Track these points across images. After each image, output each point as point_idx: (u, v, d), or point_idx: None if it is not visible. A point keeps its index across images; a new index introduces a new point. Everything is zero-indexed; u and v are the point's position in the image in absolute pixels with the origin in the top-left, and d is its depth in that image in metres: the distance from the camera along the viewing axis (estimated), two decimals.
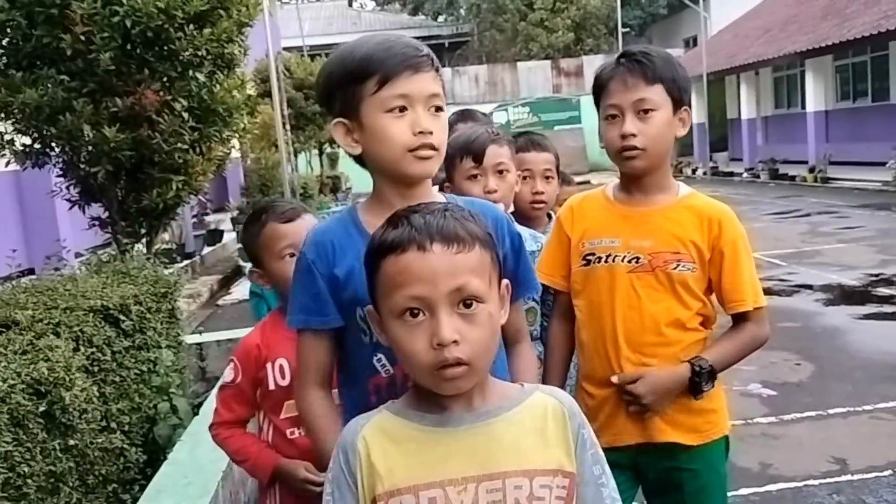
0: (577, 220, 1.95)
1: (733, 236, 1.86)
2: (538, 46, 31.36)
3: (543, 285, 2.01)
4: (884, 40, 16.28)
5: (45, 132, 4.11)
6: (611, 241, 1.88)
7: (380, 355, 1.37)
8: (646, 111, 1.80)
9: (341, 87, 1.40)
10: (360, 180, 19.95)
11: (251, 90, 5.44)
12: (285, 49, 20.41)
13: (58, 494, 2.53)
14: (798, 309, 6.76)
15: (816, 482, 3.51)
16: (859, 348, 5.55)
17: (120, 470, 3.01)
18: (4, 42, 4.05)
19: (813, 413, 4.35)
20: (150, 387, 3.43)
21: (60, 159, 4.32)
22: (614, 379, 1.85)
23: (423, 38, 1.71)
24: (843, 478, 3.54)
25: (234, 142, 5.11)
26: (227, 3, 4.21)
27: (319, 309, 1.39)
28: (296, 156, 15.49)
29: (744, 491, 3.43)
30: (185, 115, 4.13)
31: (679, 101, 1.85)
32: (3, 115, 4.03)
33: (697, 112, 21.52)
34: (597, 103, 1.91)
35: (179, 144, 4.14)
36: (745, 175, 20.89)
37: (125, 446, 3.04)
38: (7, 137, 4.26)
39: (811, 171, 17.91)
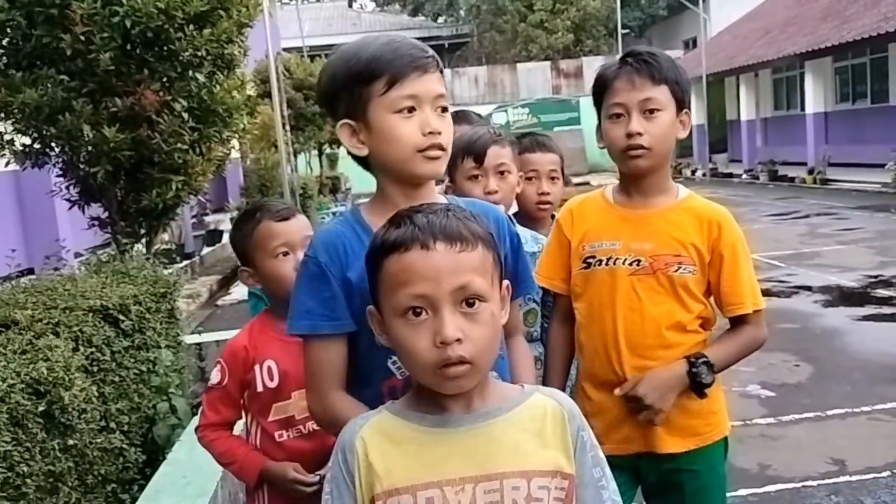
0: (576, 222, 1.95)
1: (732, 239, 1.86)
2: (538, 48, 31.38)
3: (543, 288, 2.02)
4: (883, 42, 16.29)
5: (44, 132, 4.11)
6: (611, 244, 1.88)
7: (395, 357, 1.35)
8: (651, 111, 1.81)
9: (347, 89, 1.39)
10: (359, 181, 19.98)
11: (251, 91, 5.45)
12: (285, 50, 20.42)
13: (57, 494, 2.53)
14: (797, 310, 6.77)
15: (815, 483, 3.52)
16: (858, 349, 5.56)
17: (119, 470, 3.02)
18: (4, 42, 4.05)
19: (811, 414, 4.36)
20: (149, 387, 3.44)
21: (60, 159, 4.32)
22: (618, 392, 1.85)
23: (423, 39, 1.71)
24: (842, 479, 3.55)
25: (234, 142, 5.11)
26: (227, 3, 4.22)
27: (331, 313, 1.36)
28: (295, 156, 15.49)
29: (742, 492, 3.43)
30: (185, 115, 4.13)
31: (681, 102, 1.86)
32: (2, 115, 4.04)
33: (697, 113, 21.53)
34: (597, 103, 1.91)
35: (179, 145, 4.14)
36: (744, 176, 20.91)
37: (124, 446, 3.04)
38: (7, 137, 4.26)
39: (810, 172, 17.92)
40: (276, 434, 1.97)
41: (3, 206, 8.35)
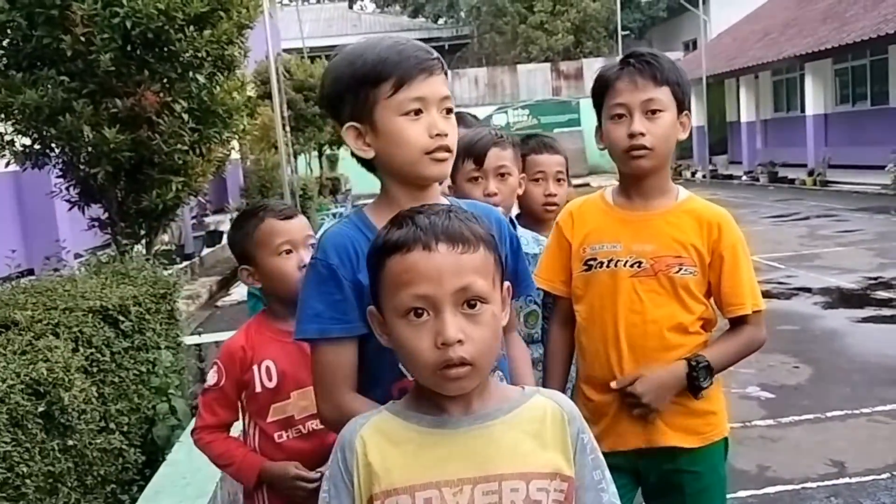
0: (577, 225, 1.95)
1: (732, 240, 1.87)
2: (538, 49, 31.38)
3: (543, 290, 2.02)
4: (883, 44, 16.31)
5: (44, 133, 4.12)
6: (612, 246, 1.88)
7: None
8: (654, 111, 1.81)
9: (352, 91, 1.39)
10: (359, 182, 19.98)
11: (251, 92, 5.45)
12: (285, 51, 20.43)
13: (56, 495, 2.53)
14: (796, 312, 6.77)
15: (814, 485, 3.52)
16: (857, 351, 5.56)
17: (118, 470, 3.02)
18: (5, 43, 4.05)
19: (811, 416, 4.36)
20: (148, 387, 3.44)
21: (60, 160, 4.32)
22: (613, 384, 1.85)
23: (424, 41, 1.71)
24: (841, 480, 3.55)
25: (234, 143, 5.12)
26: (228, 4, 4.22)
27: (342, 316, 1.35)
28: (295, 157, 15.50)
29: (742, 493, 3.43)
30: (185, 116, 4.14)
31: (682, 104, 1.87)
32: (3, 115, 4.04)
33: (697, 115, 21.54)
34: (598, 104, 1.91)
35: (179, 146, 4.14)
36: (744, 178, 20.91)
37: (124, 447, 3.04)
38: (7, 138, 4.26)
39: (810, 174, 17.93)
40: (276, 435, 1.96)
41: (3, 206, 8.35)
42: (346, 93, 1.40)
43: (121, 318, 3.20)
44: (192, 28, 4.01)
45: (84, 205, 4.48)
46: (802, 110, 20.27)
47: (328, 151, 20.29)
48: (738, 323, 1.90)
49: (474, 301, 1.14)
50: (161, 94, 4.07)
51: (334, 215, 12.06)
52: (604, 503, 1.22)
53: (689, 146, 23.77)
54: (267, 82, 11.44)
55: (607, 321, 1.88)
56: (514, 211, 2.35)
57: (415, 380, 1.22)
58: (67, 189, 4.46)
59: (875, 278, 7.86)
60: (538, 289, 1.98)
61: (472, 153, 2.18)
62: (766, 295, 1.96)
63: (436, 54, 1.42)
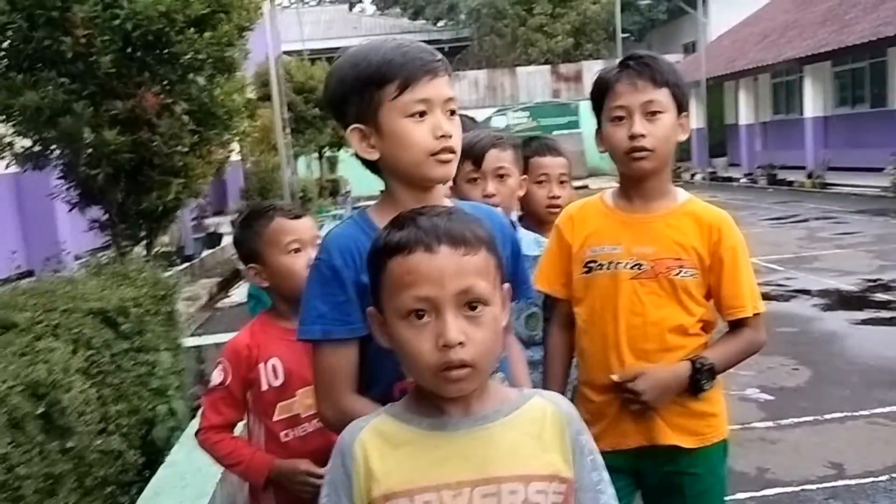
0: (577, 227, 1.95)
1: (733, 243, 1.87)
2: (538, 51, 31.39)
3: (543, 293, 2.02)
4: (882, 46, 16.33)
5: (45, 134, 4.13)
6: (612, 248, 1.88)
7: None
8: (654, 113, 1.82)
9: (357, 93, 1.39)
10: (359, 184, 19.98)
11: (251, 94, 5.46)
12: (285, 53, 20.44)
13: (55, 496, 2.53)
14: (796, 314, 6.77)
15: (813, 487, 3.52)
16: (857, 353, 5.56)
17: (118, 472, 3.02)
18: (5, 44, 4.06)
19: (810, 418, 4.36)
20: (148, 389, 3.44)
21: (60, 162, 4.33)
22: (615, 377, 1.85)
23: (424, 43, 1.73)
24: (840, 483, 3.54)
25: (234, 145, 5.13)
26: (228, 6, 4.23)
27: (344, 318, 1.36)
28: (295, 159, 15.51)
29: (741, 495, 3.43)
30: (185, 117, 4.16)
31: (681, 106, 1.87)
32: (3, 117, 4.05)
33: (696, 117, 21.55)
34: (597, 107, 1.91)
35: (179, 147, 4.17)
36: (743, 180, 20.92)
37: (123, 448, 3.04)
38: (7, 140, 4.27)
39: (809, 176, 17.94)
40: (282, 434, 1.96)
41: (4, 208, 8.35)
42: (351, 94, 1.40)
43: (120, 319, 3.20)
44: (192, 30, 4.03)
45: (84, 206, 4.49)
46: (801, 112, 20.29)
47: (328, 153, 20.29)
48: (737, 325, 1.90)
49: (475, 303, 1.14)
50: (161, 96, 4.09)
51: (334, 217, 12.07)
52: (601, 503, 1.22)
53: (689, 148, 23.78)
54: (267, 84, 11.45)
55: (608, 323, 1.88)
56: (516, 213, 2.35)
57: (414, 381, 1.21)
58: (67, 190, 4.47)
59: (874, 280, 7.86)
60: (538, 291, 1.98)
61: (470, 154, 2.18)
62: (766, 297, 1.96)
63: (440, 56, 1.42)
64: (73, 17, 3.80)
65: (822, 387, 4.90)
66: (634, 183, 1.90)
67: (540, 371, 2.05)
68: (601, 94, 1.89)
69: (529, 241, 2.14)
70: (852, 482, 3.53)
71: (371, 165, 1.45)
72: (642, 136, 1.81)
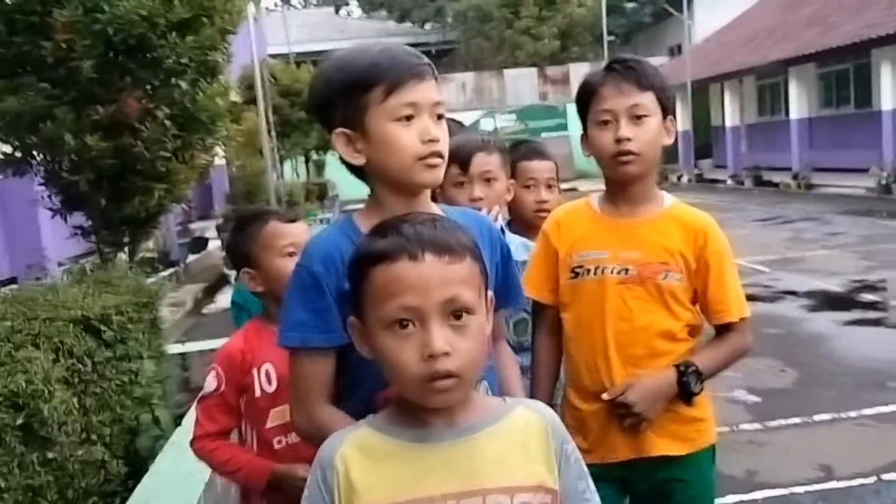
0: (563, 232, 1.94)
1: (718, 247, 1.86)
2: (524, 54, 31.47)
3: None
4: (866, 48, 16.47)
5: (26, 140, 4.08)
6: (599, 254, 1.87)
7: None
8: (639, 117, 1.81)
9: (343, 96, 1.37)
10: (346, 188, 19.94)
11: (235, 97, 5.43)
12: (271, 56, 20.39)
13: None
14: (782, 315, 6.79)
15: (802, 489, 3.52)
16: (844, 354, 5.58)
17: (101, 482, 2.97)
18: None
19: (798, 420, 4.36)
20: (131, 398, 3.40)
21: (42, 168, 4.28)
22: (605, 396, 1.84)
23: (411, 46, 1.72)
24: (829, 485, 3.55)
25: (218, 149, 5.09)
26: (211, 10, 4.20)
27: (324, 326, 1.34)
28: (281, 163, 15.46)
29: (730, 498, 3.43)
30: (168, 122, 4.11)
31: (666, 109, 1.86)
32: None
33: (682, 120, 21.67)
34: (582, 111, 1.90)
35: (162, 152, 4.12)
36: (729, 182, 21.03)
37: (106, 458, 2.99)
38: None
39: (795, 177, 18.05)
40: (275, 441, 1.94)
41: None
42: (337, 98, 1.38)
43: (103, 327, 3.16)
44: (174, 34, 3.99)
45: (67, 213, 4.44)
46: (787, 114, 20.42)
47: (314, 157, 20.24)
48: (724, 330, 1.89)
49: (461, 312, 1.12)
50: (143, 101, 4.04)
51: (321, 221, 12.03)
52: None
53: (675, 151, 23.88)
54: (252, 88, 11.41)
55: (595, 329, 1.86)
56: (504, 217, 2.33)
57: (396, 392, 1.19)
58: (50, 197, 4.42)
59: (860, 281, 7.90)
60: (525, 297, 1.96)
61: (457, 158, 2.16)
62: (752, 298, 1.96)
63: (426, 60, 1.40)
64: (53, 22, 3.76)
65: (809, 388, 4.91)
66: (620, 187, 1.89)
67: (529, 377, 2.03)
68: (587, 98, 1.88)
69: (518, 246, 2.12)
70: (841, 484, 3.54)
71: (357, 170, 1.43)
72: (628, 139, 1.80)
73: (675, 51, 29.80)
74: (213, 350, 4.52)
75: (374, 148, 1.36)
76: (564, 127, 26.79)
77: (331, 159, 19.63)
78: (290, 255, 1.96)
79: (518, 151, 2.39)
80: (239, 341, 1.99)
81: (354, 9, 47.51)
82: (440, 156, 1.37)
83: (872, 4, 17.15)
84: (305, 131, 16.37)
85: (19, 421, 2.41)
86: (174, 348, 4.57)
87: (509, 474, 1.14)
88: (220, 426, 1.98)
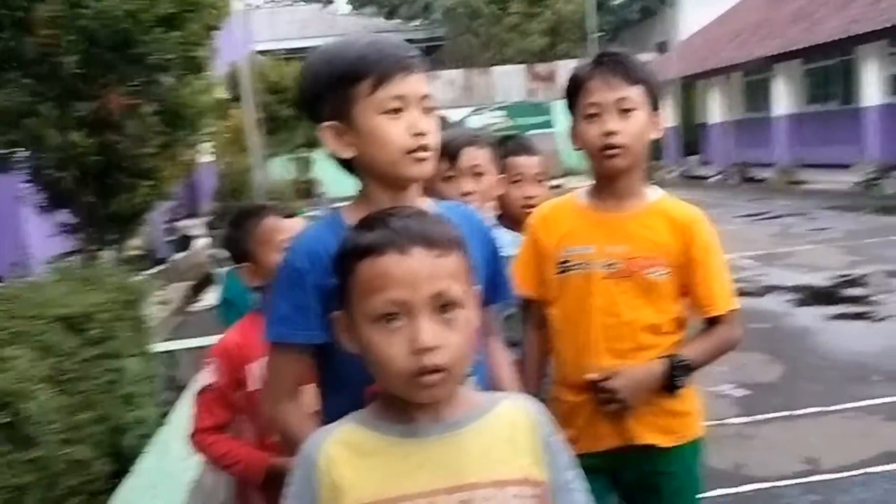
0: (550, 227, 1.94)
1: (705, 241, 1.87)
2: (512, 51, 31.47)
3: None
4: (852, 44, 16.57)
5: (10, 136, 4.04)
6: (586, 248, 1.87)
7: None
8: (627, 110, 1.81)
9: (331, 89, 1.36)
10: (334, 185, 19.89)
11: (222, 94, 5.39)
12: (259, 52, 20.27)
13: None
14: (769, 310, 6.83)
15: (789, 483, 3.54)
16: (829, 348, 5.61)
17: (85, 482, 2.95)
18: None
19: (785, 413, 4.39)
20: (116, 396, 3.37)
21: (27, 164, 4.24)
22: (591, 376, 1.84)
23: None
24: (815, 477, 3.57)
25: (204, 146, 5.05)
26: (196, 6, 4.17)
27: (304, 322, 1.34)
28: (268, 160, 15.39)
29: (717, 492, 3.43)
30: (153, 119, 4.08)
31: (653, 103, 1.86)
32: None
33: (670, 116, 21.73)
34: (571, 104, 1.90)
35: (146, 149, 4.09)
36: (716, 178, 21.12)
37: (91, 457, 2.97)
38: None
39: (780, 173, 18.15)
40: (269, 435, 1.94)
41: None
42: (325, 91, 1.37)
43: (87, 325, 3.13)
44: (159, 29, 3.96)
45: (52, 210, 4.40)
46: (773, 110, 20.52)
47: (303, 154, 20.15)
48: (713, 323, 1.90)
49: (449, 306, 1.11)
50: (128, 97, 4.01)
51: (310, 218, 11.96)
52: (575, 501, 1.22)
53: (663, 147, 23.96)
54: (239, 84, 11.34)
55: (582, 323, 1.87)
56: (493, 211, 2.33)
57: (382, 388, 1.18)
58: (35, 194, 4.38)
59: (845, 276, 7.95)
60: None
61: (446, 152, 2.16)
62: (739, 293, 1.96)
63: (415, 52, 1.40)
64: (36, 17, 3.72)
65: (795, 382, 4.94)
66: (607, 181, 1.89)
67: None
68: (575, 91, 1.88)
69: (508, 241, 2.12)
70: (827, 477, 3.56)
71: (346, 164, 1.42)
72: (615, 133, 1.80)
73: (663, 47, 29.88)
74: (200, 348, 4.51)
75: (362, 141, 1.35)
76: (551, 124, 26.83)
77: (318, 157, 19.57)
78: None
79: (506, 147, 2.40)
80: (235, 335, 2.01)
81: (343, 5, 47.33)
82: (429, 149, 1.36)
83: (856, 0, 17.26)
84: (293, 128, 16.30)
85: (3, 420, 2.38)
86: (160, 346, 4.54)
87: (497, 468, 1.14)
88: (219, 420, 2.00)
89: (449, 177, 2.18)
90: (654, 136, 1.88)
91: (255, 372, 1.94)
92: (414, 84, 1.35)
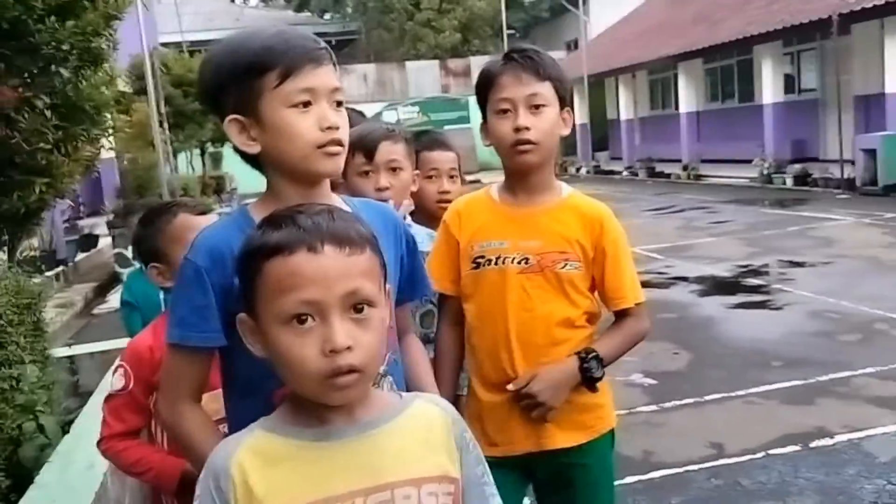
0: (464, 222, 1.94)
1: (614, 236, 1.90)
2: (426, 46, 31.55)
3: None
4: (749, 45, 17.35)
5: None
6: (499, 244, 1.88)
7: None
8: (537, 106, 1.82)
9: (235, 82, 1.30)
10: (245, 181, 19.44)
11: (124, 87, 5.17)
12: (163, 45, 19.61)
13: None
14: (675, 300, 7.08)
15: (696, 467, 3.67)
16: (732, 337, 5.87)
17: None
18: None
19: (691, 400, 4.55)
20: (13, 405, 3.18)
21: None
22: (510, 387, 1.85)
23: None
24: (720, 462, 3.71)
25: (105, 141, 4.83)
26: None
27: (201, 324, 1.28)
28: (175, 156, 14.91)
29: (628, 479, 3.54)
30: (48, 112, 3.86)
31: (563, 100, 1.88)
32: None
33: (580, 113, 22.24)
34: (482, 100, 1.90)
35: (42, 144, 3.87)
36: (624, 173, 21.77)
37: None
38: None
39: (685, 168, 18.88)
40: None
41: None
42: (229, 84, 1.31)
43: None
44: (53, 18, 3.74)
45: None
46: (676, 108, 21.30)
47: (211, 149, 19.61)
48: (622, 316, 1.94)
49: (362, 305, 1.09)
50: (20, 90, 3.78)
51: (220, 215, 11.65)
52: (486, 496, 1.23)
53: (574, 143, 24.52)
54: (142, 77, 10.93)
55: (497, 319, 1.88)
56: (410, 207, 2.31)
57: (291, 391, 1.15)
58: None
59: (745, 266, 8.33)
60: None
61: (362, 147, 2.13)
62: (647, 285, 2.02)
63: (323, 44, 1.35)
64: None
65: (701, 369, 5.13)
66: (519, 177, 1.90)
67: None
68: (486, 86, 1.88)
69: (424, 237, 2.11)
70: (731, 461, 3.71)
71: (251, 159, 1.37)
72: (527, 128, 1.81)
73: (572, 45, 30.54)
74: (104, 352, 4.32)
75: (269, 135, 1.31)
76: (467, 119, 26.97)
77: (228, 152, 19.05)
78: None
79: (420, 142, 2.38)
80: (147, 337, 1.93)
81: None
82: (340, 143, 1.33)
83: (752, 2, 18.09)
84: (200, 123, 15.82)
85: None
86: (61, 351, 4.32)
87: (414, 467, 1.13)
88: (129, 425, 1.92)
89: (365, 171, 2.15)
90: (564, 132, 1.90)
91: None
92: (323, 76, 1.31)
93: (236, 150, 1.36)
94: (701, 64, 20.72)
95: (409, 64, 30.07)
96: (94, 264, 11.48)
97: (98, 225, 12.90)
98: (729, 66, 20.39)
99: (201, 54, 15.65)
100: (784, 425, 4.07)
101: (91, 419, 3.11)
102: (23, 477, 3.06)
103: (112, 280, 10.10)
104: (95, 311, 8.94)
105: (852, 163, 13.40)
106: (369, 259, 1.12)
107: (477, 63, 28.17)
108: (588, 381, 1.86)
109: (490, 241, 1.89)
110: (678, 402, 4.53)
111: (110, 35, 4.21)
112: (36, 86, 3.86)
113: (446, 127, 25.97)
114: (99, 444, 1.95)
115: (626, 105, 24.08)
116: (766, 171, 15.68)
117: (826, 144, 16.79)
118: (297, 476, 1.09)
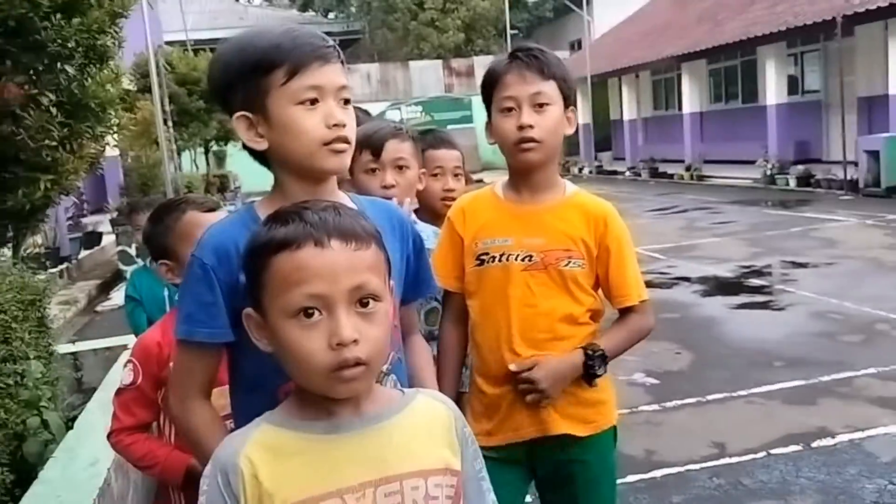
0: (468, 220, 1.95)
1: (618, 233, 1.91)
2: (429, 46, 31.53)
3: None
4: (752, 45, 17.33)
5: None
6: (504, 241, 1.89)
7: None
8: (541, 105, 1.83)
9: (243, 79, 1.32)
10: (249, 179, 19.44)
11: (129, 85, 5.19)
12: (168, 43, 19.63)
13: None
14: (677, 300, 7.08)
15: (697, 466, 3.68)
16: (734, 337, 5.87)
17: None
18: None
19: (693, 400, 4.56)
20: (17, 401, 3.19)
21: None
22: (512, 366, 1.87)
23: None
24: (722, 461, 3.72)
25: (110, 139, 4.84)
26: None
27: (208, 320, 1.30)
28: (179, 154, 14.94)
29: (630, 478, 3.54)
30: (54, 110, 3.87)
31: (567, 99, 1.90)
32: None
33: (583, 113, 22.24)
34: (486, 99, 1.92)
35: (47, 141, 3.88)
36: (627, 174, 21.76)
37: None
38: None
39: (688, 169, 18.86)
40: None
41: None
42: (237, 81, 1.33)
43: None
44: (59, 16, 3.75)
45: None
46: (680, 108, 21.27)
47: (215, 147, 19.62)
48: (626, 312, 1.95)
49: (368, 299, 1.10)
50: (26, 87, 3.80)
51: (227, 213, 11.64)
52: (483, 490, 1.25)
53: (576, 143, 24.51)
54: (147, 75, 10.95)
55: (500, 316, 1.89)
56: (414, 205, 2.33)
57: (295, 385, 1.16)
58: None
59: (748, 266, 8.33)
60: None
61: (369, 144, 2.15)
62: (649, 284, 2.02)
63: (331, 42, 1.36)
64: None
65: (703, 369, 5.14)
66: (523, 175, 1.91)
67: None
68: (491, 85, 1.90)
69: (430, 235, 2.12)
70: (733, 460, 3.72)
71: (259, 156, 1.38)
72: (531, 126, 1.83)
73: (576, 45, 30.52)
74: (107, 349, 4.34)
75: (276, 132, 1.32)
76: (470, 119, 27.00)
77: (232, 150, 19.09)
78: None
79: (425, 140, 2.40)
80: (156, 333, 1.96)
81: None
82: (346, 141, 1.34)
83: (756, 3, 18.07)
84: (204, 121, 15.84)
85: None
86: (65, 348, 4.34)
87: (420, 459, 1.15)
88: (138, 420, 1.95)
89: (372, 169, 2.17)
90: (567, 131, 1.92)
91: None
92: (330, 74, 1.32)
93: (244, 146, 1.38)
94: (704, 64, 20.70)
95: (412, 63, 30.06)
96: (97, 262, 11.51)
97: (102, 222, 12.93)
98: (732, 67, 20.37)
99: (205, 53, 15.71)
100: (786, 425, 4.08)
101: (95, 415, 3.14)
102: (27, 472, 3.08)
103: (115, 277, 10.12)
104: (99, 308, 8.96)
105: (855, 164, 13.38)
106: (375, 254, 1.14)
107: (480, 63, 28.17)
108: (588, 376, 1.88)
109: (494, 239, 1.90)
110: (680, 402, 4.54)
111: (116, 33, 4.22)
112: (41, 83, 3.87)
113: (449, 126, 25.94)
114: (109, 437, 2.00)
115: (629, 105, 24.06)
116: (769, 172, 15.67)
117: (829, 146, 16.77)
118: (309, 469, 1.11)
